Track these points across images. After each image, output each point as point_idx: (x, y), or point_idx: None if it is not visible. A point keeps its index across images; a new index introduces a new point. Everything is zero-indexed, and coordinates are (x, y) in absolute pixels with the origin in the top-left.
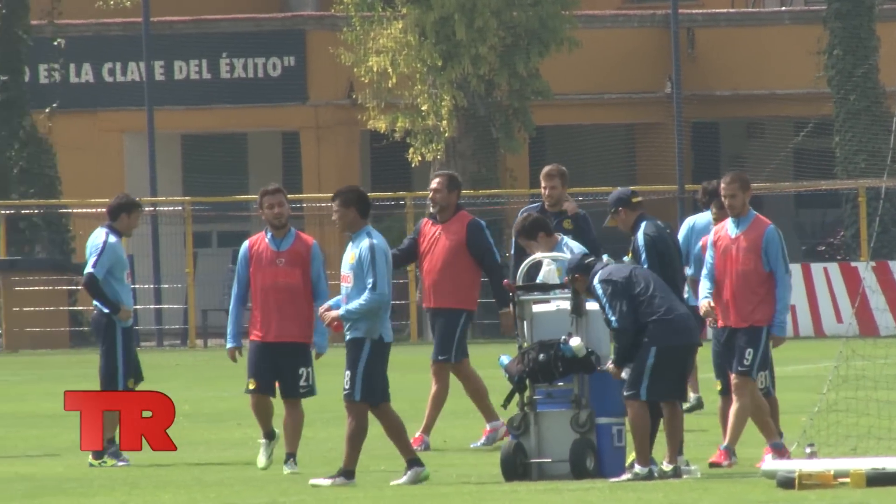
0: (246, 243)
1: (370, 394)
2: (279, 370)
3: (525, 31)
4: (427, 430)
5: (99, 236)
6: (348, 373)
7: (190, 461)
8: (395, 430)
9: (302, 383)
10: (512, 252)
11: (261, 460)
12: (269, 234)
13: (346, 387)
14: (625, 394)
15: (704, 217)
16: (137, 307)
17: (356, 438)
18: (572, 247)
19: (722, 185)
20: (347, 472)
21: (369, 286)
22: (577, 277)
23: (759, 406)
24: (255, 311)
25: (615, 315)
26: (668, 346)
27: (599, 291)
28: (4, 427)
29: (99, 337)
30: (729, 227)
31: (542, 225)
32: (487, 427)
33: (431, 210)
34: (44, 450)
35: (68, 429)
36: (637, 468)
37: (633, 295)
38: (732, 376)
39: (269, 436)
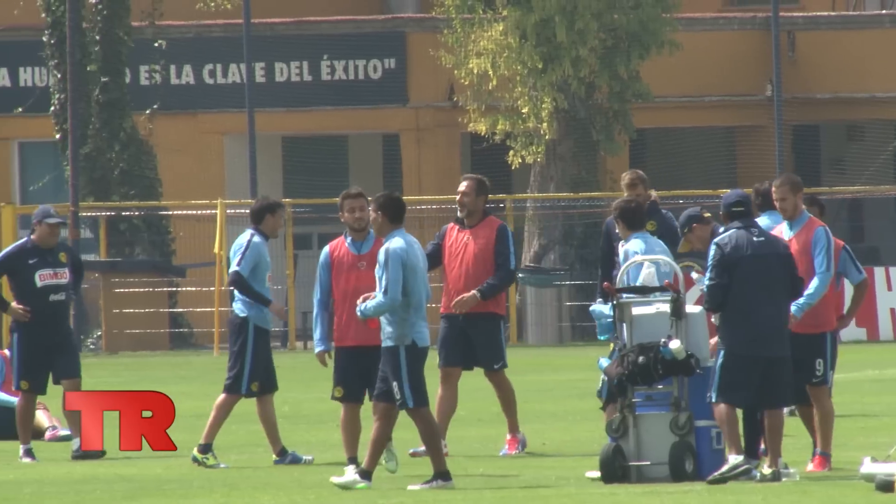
0: (326, 248)
1: (421, 397)
2: (367, 375)
3: (626, 33)
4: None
5: (244, 236)
6: (395, 383)
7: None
8: (432, 436)
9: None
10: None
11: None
12: (349, 239)
13: (398, 397)
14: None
15: (762, 221)
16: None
17: (432, 440)
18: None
19: (773, 189)
20: (442, 474)
21: (381, 290)
22: (694, 227)
23: (827, 412)
24: (337, 315)
25: (708, 281)
26: (734, 353)
27: (710, 251)
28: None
29: (232, 338)
30: (784, 230)
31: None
32: (509, 437)
33: (459, 214)
34: (144, 451)
35: (170, 430)
36: (732, 458)
37: (729, 274)
38: (808, 387)
39: (353, 461)
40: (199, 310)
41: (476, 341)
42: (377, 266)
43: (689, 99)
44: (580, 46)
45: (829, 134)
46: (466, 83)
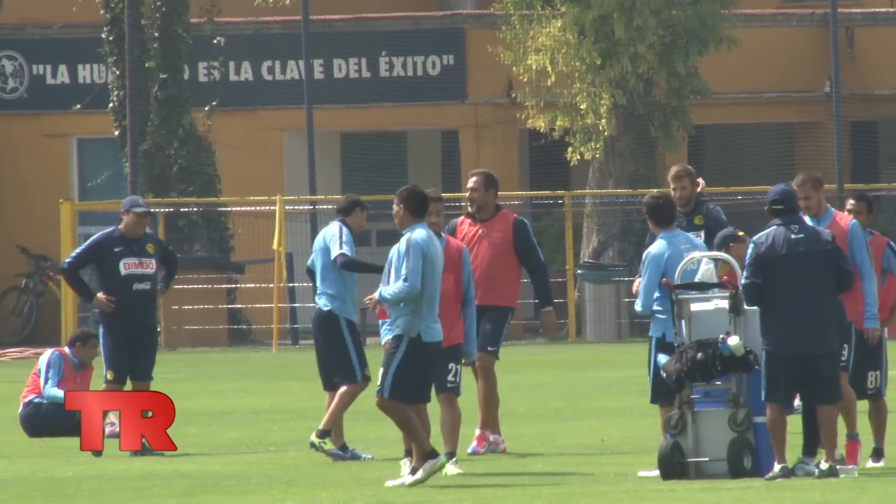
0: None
1: (402, 392)
2: (432, 372)
3: (684, 29)
4: (487, 426)
5: (334, 226)
6: (381, 369)
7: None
8: (410, 428)
9: (450, 378)
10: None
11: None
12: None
13: (378, 383)
14: None
15: None
16: (296, 305)
17: (406, 427)
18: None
19: (795, 187)
20: (428, 454)
21: (402, 277)
22: (731, 246)
23: (847, 397)
24: None
25: (744, 279)
26: (772, 353)
27: (749, 249)
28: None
29: (323, 333)
30: None
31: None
32: (480, 432)
33: (469, 209)
34: (202, 447)
35: (226, 426)
36: (775, 466)
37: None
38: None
39: (409, 454)
40: (257, 306)
41: (481, 326)
42: (396, 256)
43: (748, 95)
44: (638, 43)
45: (887, 130)
46: (525, 79)
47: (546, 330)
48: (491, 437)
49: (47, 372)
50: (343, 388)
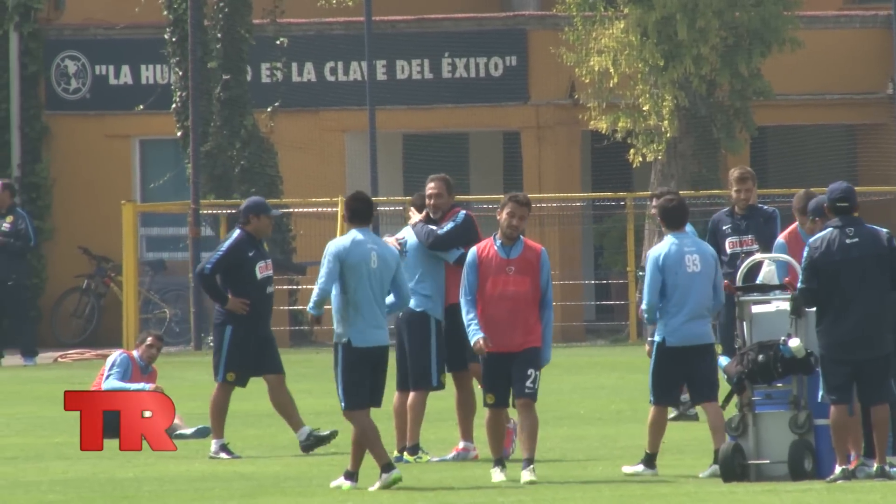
0: (474, 250)
1: (354, 400)
2: (511, 377)
3: (747, 31)
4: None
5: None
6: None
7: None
8: (366, 440)
9: (528, 384)
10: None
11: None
12: (499, 242)
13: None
14: None
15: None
16: None
17: (363, 443)
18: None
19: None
20: (384, 467)
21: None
22: (817, 220)
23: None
24: (481, 319)
25: (799, 284)
26: (826, 356)
27: (805, 252)
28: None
29: (409, 332)
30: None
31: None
32: (461, 445)
33: (431, 215)
34: (262, 449)
35: (287, 428)
36: (836, 468)
37: (818, 279)
38: None
39: (500, 463)
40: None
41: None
42: None
43: (810, 97)
44: (701, 44)
45: None
46: (587, 81)
47: None
48: (461, 444)
49: (110, 369)
50: (412, 397)
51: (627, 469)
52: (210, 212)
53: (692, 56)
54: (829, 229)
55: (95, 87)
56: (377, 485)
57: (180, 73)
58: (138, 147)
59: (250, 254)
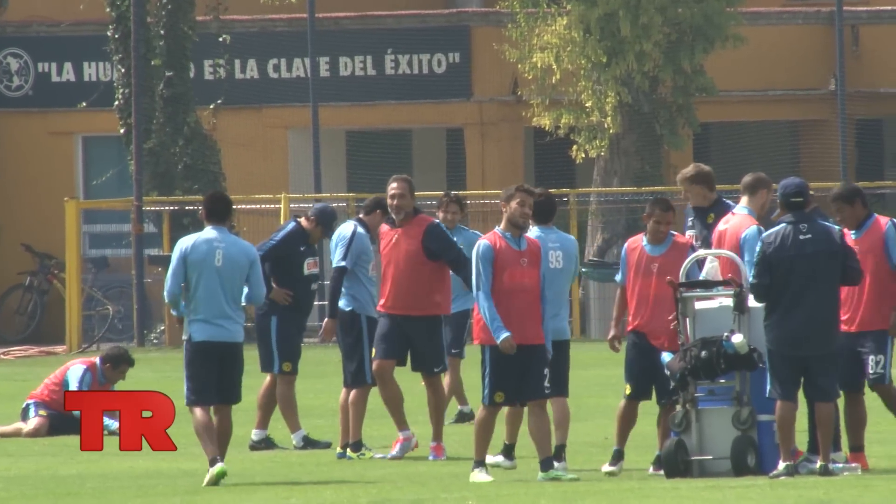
0: (486, 242)
1: (197, 395)
2: (525, 375)
3: (690, 27)
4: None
5: (348, 228)
6: None
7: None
8: (198, 433)
9: (546, 384)
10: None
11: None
12: (508, 234)
13: None
14: None
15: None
16: None
17: (199, 434)
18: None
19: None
20: (210, 461)
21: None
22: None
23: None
24: (498, 313)
25: (751, 279)
26: (773, 351)
27: (757, 247)
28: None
29: (343, 331)
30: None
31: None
32: (400, 436)
33: (394, 216)
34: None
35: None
36: (780, 465)
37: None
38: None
39: (482, 464)
40: None
41: (418, 343)
42: None
43: (753, 93)
44: (644, 40)
45: (892, 128)
46: (530, 77)
47: None
48: (400, 435)
49: (80, 387)
50: (353, 394)
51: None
52: (153, 208)
53: (635, 52)
54: (783, 225)
55: (38, 84)
56: (206, 480)
57: (123, 71)
58: (81, 144)
59: (301, 248)
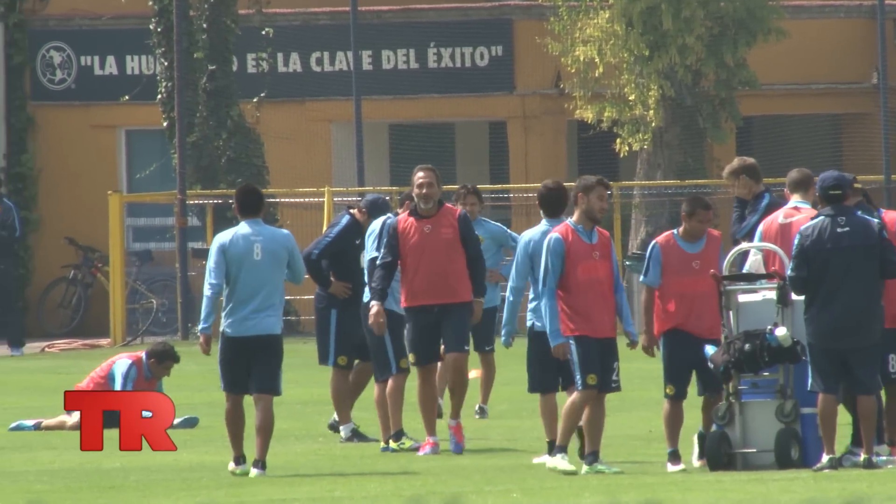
0: (557, 236)
1: (227, 385)
2: (604, 365)
3: (732, 20)
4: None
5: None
6: None
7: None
8: (227, 424)
9: (614, 377)
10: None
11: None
12: (580, 227)
13: None
14: None
15: None
16: None
17: (227, 426)
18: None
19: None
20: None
21: None
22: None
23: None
24: (574, 307)
25: (789, 271)
26: (813, 344)
27: (797, 239)
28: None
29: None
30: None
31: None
32: (430, 440)
33: (422, 205)
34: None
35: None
36: (823, 457)
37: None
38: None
39: (564, 449)
40: (306, 297)
41: (448, 325)
42: None
43: (795, 86)
44: (686, 34)
45: None
46: (573, 70)
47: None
48: (430, 439)
49: (124, 387)
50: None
51: (537, 460)
52: (196, 202)
53: (677, 46)
54: (821, 217)
55: (81, 77)
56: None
57: (166, 64)
58: (124, 137)
59: (356, 241)
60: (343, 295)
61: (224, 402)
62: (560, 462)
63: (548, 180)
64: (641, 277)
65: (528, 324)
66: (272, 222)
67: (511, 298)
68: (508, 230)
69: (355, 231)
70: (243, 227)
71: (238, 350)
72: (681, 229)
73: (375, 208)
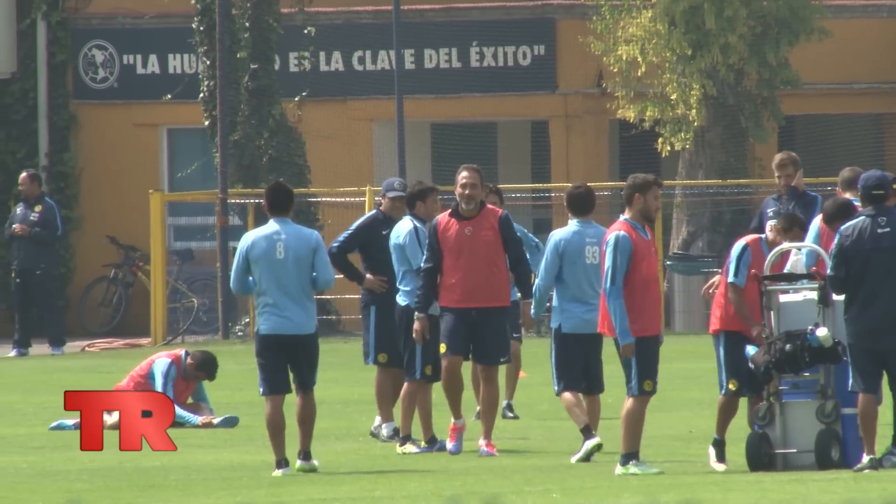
0: (624, 233)
1: (266, 386)
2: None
3: (775, 20)
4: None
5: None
6: None
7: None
8: (268, 429)
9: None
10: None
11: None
12: (638, 225)
13: None
14: None
15: None
16: None
17: (268, 431)
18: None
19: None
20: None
21: None
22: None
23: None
24: (637, 306)
25: (828, 271)
26: (853, 344)
27: (836, 239)
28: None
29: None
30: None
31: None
32: (454, 424)
33: (464, 206)
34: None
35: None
36: (864, 458)
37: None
38: None
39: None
40: (347, 297)
41: (487, 334)
42: None
43: (838, 86)
44: (729, 33)
45: None
46: (615, 70)
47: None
48: (455, 423)
49: (164, 385)
50: (404, 388)
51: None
52: (238, 201)
53: (720, 45)
54: (862, 217)
55: (123, 76)
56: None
57: (208, 63)
58: (166, 136)
59: (383, 232)
60: (379, 289)
61: (264, 403)
62: (637, 468)
63: (575, 182)
64: (731, 277)
65: (554, 325)
66: (313, 222)
67: (538, 295)
68: (528, 232)
69: (380, 222)
70: (267, 227)
71: (272, 348)
72: (769, 238)
73: (387, 186)
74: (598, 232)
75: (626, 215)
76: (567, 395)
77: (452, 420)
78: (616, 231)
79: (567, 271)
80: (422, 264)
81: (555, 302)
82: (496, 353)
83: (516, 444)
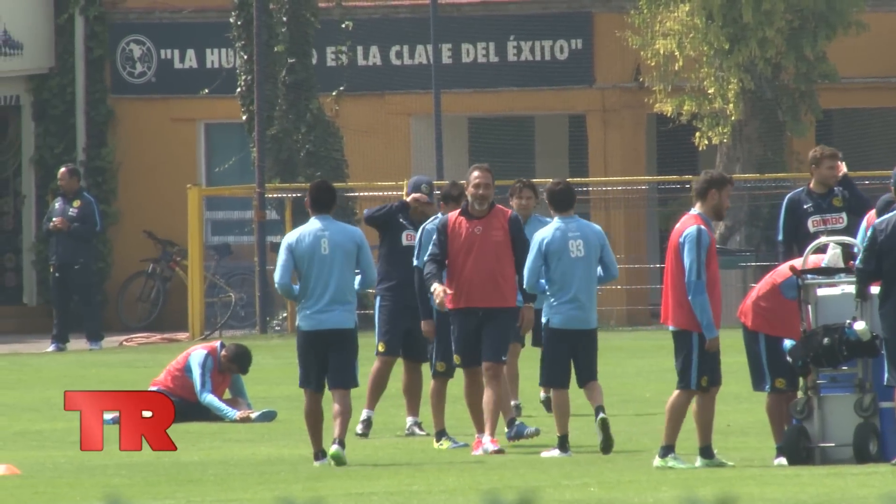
0: (704, 229)
1: (303, 380)
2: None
3: (812, 13)
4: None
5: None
6: None
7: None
8: (306, 421)
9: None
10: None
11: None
12: (711, 221)
13: None
14: None
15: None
16: None
17: (306, 422)
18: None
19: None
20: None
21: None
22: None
23: None
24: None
25: (857, 262)
26: (888, 338)
27: (869, 232)
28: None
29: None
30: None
31: None
32: (479, 438)
33: (476, 206)
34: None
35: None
36: None
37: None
38: None
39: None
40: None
41: (490, 331)
42: None
43: (876, 80)
44: (767, 27)
45: None
46: (652, 64)
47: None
48: (480, 438)
49: (202, 376)
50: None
51: (546, 454)
52: (276, 195)
53: (757, 39)
54: (894, 213)
55: (161, 70)
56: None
57: (245, 57)
58: (203, 131)
59: (401, 219)
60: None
61: (303, 396)
62: (674, 462)
63: (556, 179)
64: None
65: (544, 320)
66: (351, 216)
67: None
68: None
69: (402, 212)
70: (311, 224)
71: (313, 344)
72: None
73: (412, 185)
74: (581, 225)
75: (698, 209)
76: (560, 397)
77: (477, 435)
78: (695, 225)
79: (554, 268)
80: (427, 255)
81: (548, 298)
82: (500, 351)
83: (553, 439)
